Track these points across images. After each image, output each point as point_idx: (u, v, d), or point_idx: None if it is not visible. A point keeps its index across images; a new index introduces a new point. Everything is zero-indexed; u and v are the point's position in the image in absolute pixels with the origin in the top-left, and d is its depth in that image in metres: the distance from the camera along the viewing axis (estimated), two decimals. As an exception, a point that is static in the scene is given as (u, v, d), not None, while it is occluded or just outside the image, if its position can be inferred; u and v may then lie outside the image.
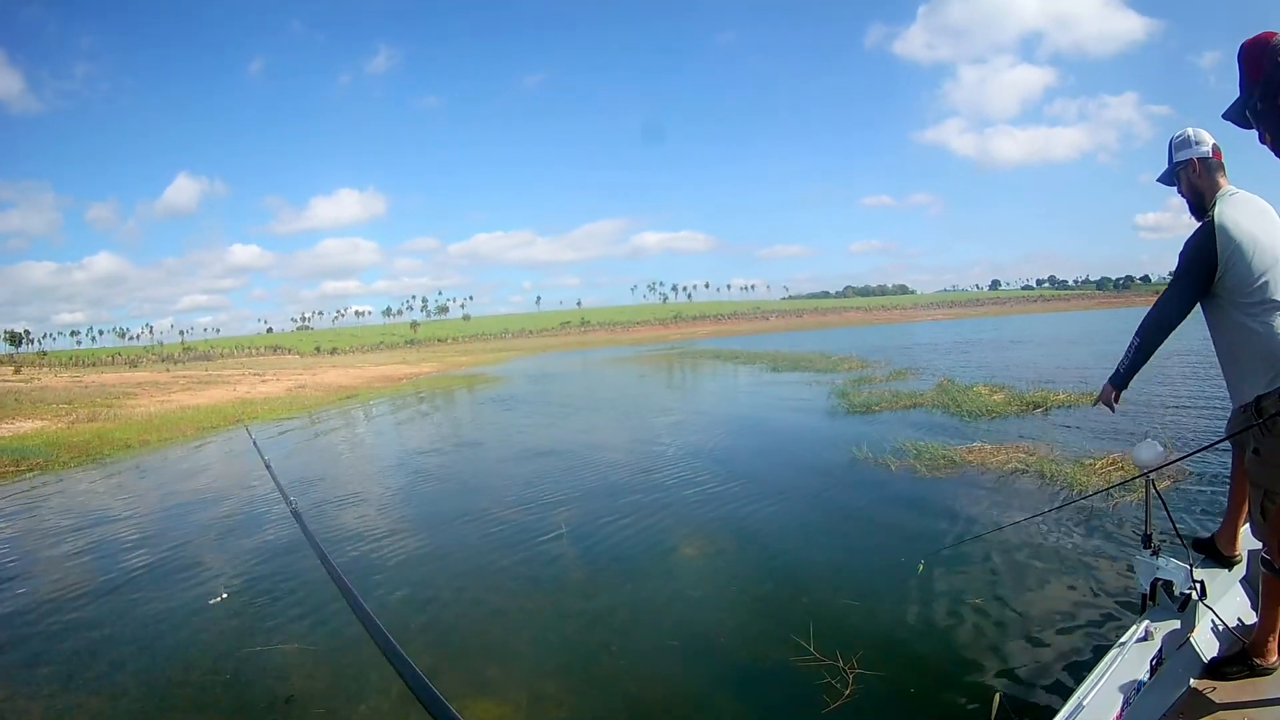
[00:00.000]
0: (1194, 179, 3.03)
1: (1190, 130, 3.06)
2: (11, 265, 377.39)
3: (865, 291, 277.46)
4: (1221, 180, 2.97)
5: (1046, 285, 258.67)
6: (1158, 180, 3.21)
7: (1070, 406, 12.30)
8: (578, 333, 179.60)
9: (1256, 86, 1.98)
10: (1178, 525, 3.26)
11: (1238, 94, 2.09)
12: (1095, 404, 3.41)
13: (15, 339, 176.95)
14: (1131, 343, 3.16)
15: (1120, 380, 3.26)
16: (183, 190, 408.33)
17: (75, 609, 6.30)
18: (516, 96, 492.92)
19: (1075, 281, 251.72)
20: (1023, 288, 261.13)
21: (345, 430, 19.71)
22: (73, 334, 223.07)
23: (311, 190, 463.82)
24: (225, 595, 3.29)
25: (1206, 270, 2.84)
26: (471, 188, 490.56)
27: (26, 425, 22.29)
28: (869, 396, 15.31)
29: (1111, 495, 6.66)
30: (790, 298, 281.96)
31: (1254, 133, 2.06)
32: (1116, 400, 3.33)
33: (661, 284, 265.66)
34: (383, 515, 8.81)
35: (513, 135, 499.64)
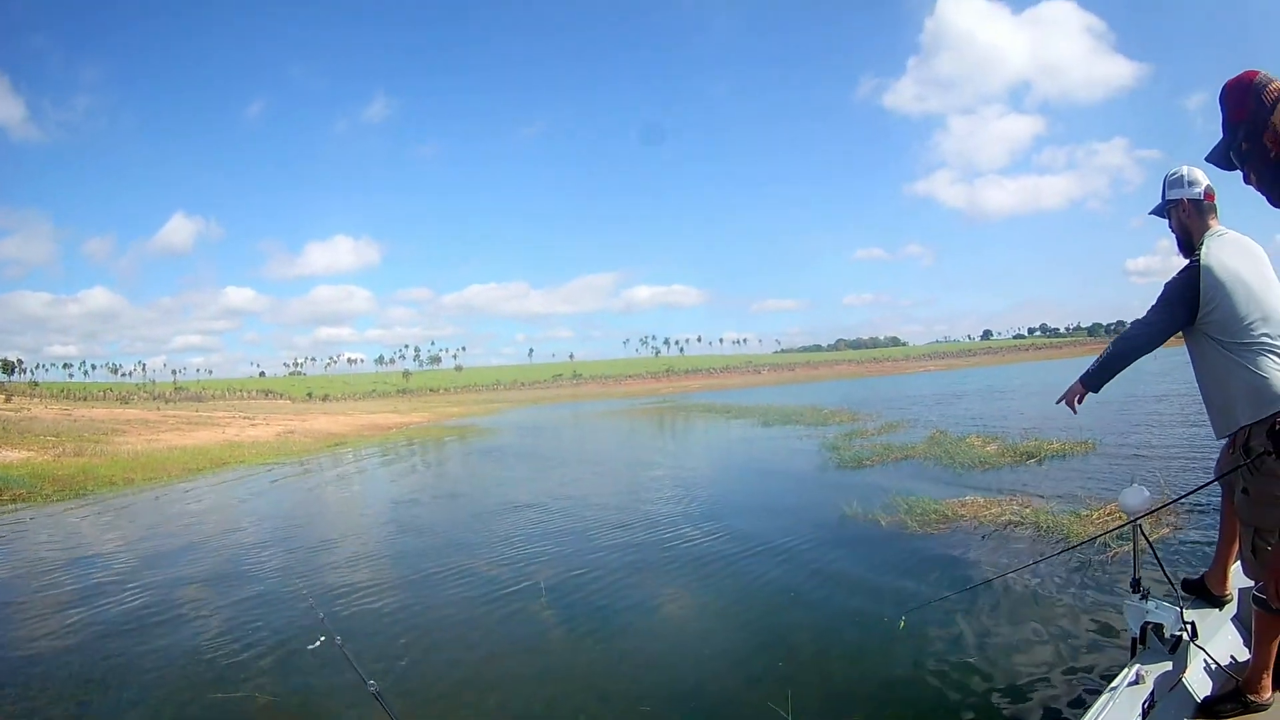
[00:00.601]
0: (1183, 218, 3.10)
1: (1185, 169, 3.11)
2: (7, 293, 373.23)
3: (857, 344, 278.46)
4: (1212, 222, 3.04)
5: (1038, 333, 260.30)
6: (1151, 212, 3.27)
7: (1065, 456, 12.22)
8: (570, 385, 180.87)
9: (1241, 126, 1.96)
10: (1168, 569, 3.26)
11: (1221, 135, 2.07)
12: (1059, 402, 3.31)
13: (8, 367, 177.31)
14: (1106, 349, 3.20)
15: (1090, 380, 3.22)
16: (179, 229, 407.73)
17: (43, 643, 6.31)
18: (512, 147, 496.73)
19: (1067, 329, 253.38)
20: (1014, 336, 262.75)
21: (327, 478, 19.77)
22: (65, 367, 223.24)
23: (307, 235, 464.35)
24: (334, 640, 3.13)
25: (1188, 307, 2.89)
26: (466, 238, 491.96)
27: (13, 455, 22.62)
28: (860, 450, 15.17)
29: (1109, 545, 6.57)
30: (782, 351, 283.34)
31: (1239, 174, 2.04)
32: (1081, 400, 3.26)
33: (654, 338, 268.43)
34: (354, 566, 8.71)
35: (508, 186, 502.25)
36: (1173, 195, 3.13)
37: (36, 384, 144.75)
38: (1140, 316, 3.11)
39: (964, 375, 72.89)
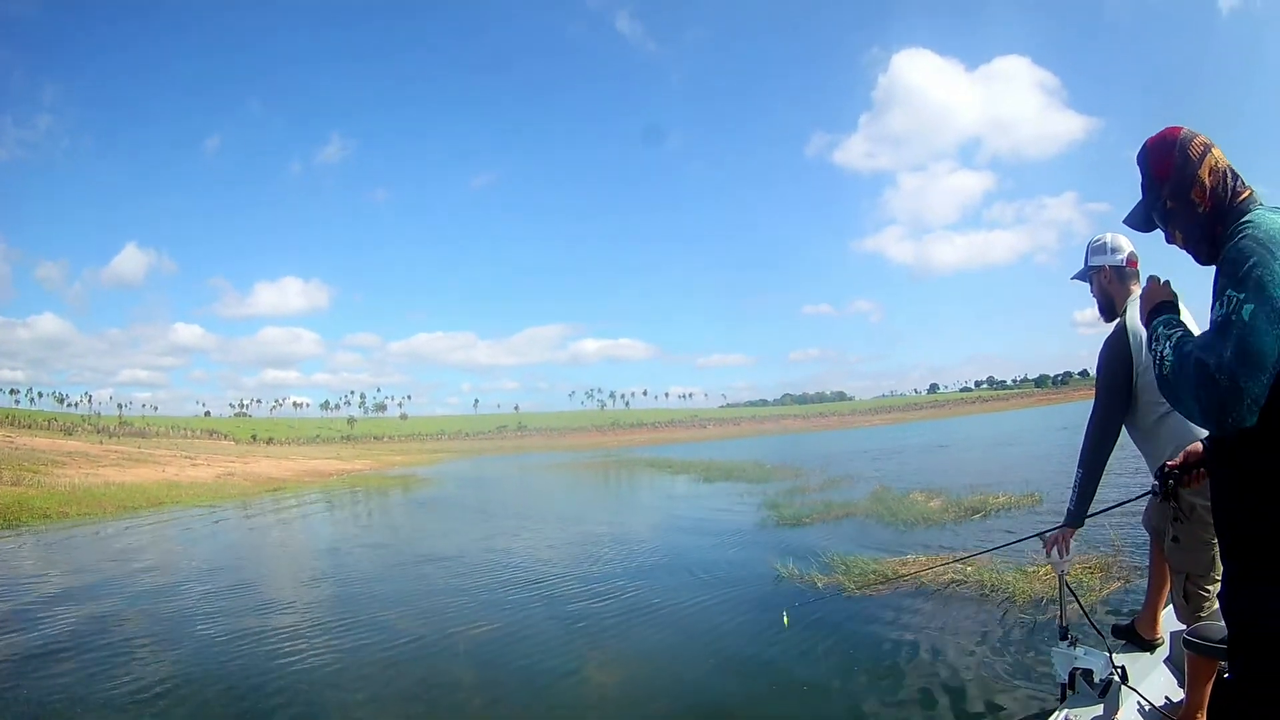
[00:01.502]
0: (1105, 284, 3.31)
1: (1109, 237, 3.32)
2: None
3: (803, 399, 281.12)
4: (1134, 287, 3.23)
5: (985, 386, 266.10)
6: (1073, 278, 3.48)
7: (1010, 510, 12.14)
8: (514, 437, 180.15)
9: (1165, 184, 1.95)
10: (1093, 616, 3.49)
11: (1140, 197, 2.07)
12: (1049, 553, 3.35)
13: None
14: (1076, 478, 3.28)
15: (1073, 519, 3.27)
16: (130, 261, 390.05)
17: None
18: (464, 196, 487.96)
19: (1014, 381, 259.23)
20: (961, 389, 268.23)
21: (261, 523, 19.74)
22: (12, 392, 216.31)
23: (257, 274, 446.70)
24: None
25: (1126, 373, 3.08)
26: (415, 286, 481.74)
27: None
28: (800, 507, 14.87)
29: (1054, 603, 6.41)
30: (729, 406, 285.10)
31: (1160, 234, 2.06)
32: (1071, 539, 3.31)
33: (600, 390, 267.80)
34: (266, 616, 8.42)
35: (458, 235, 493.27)
36: (1095, 262, 3.33)
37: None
38: (1090, 418, 3.24)
39: (910, 429, 73.92)
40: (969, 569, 7.91)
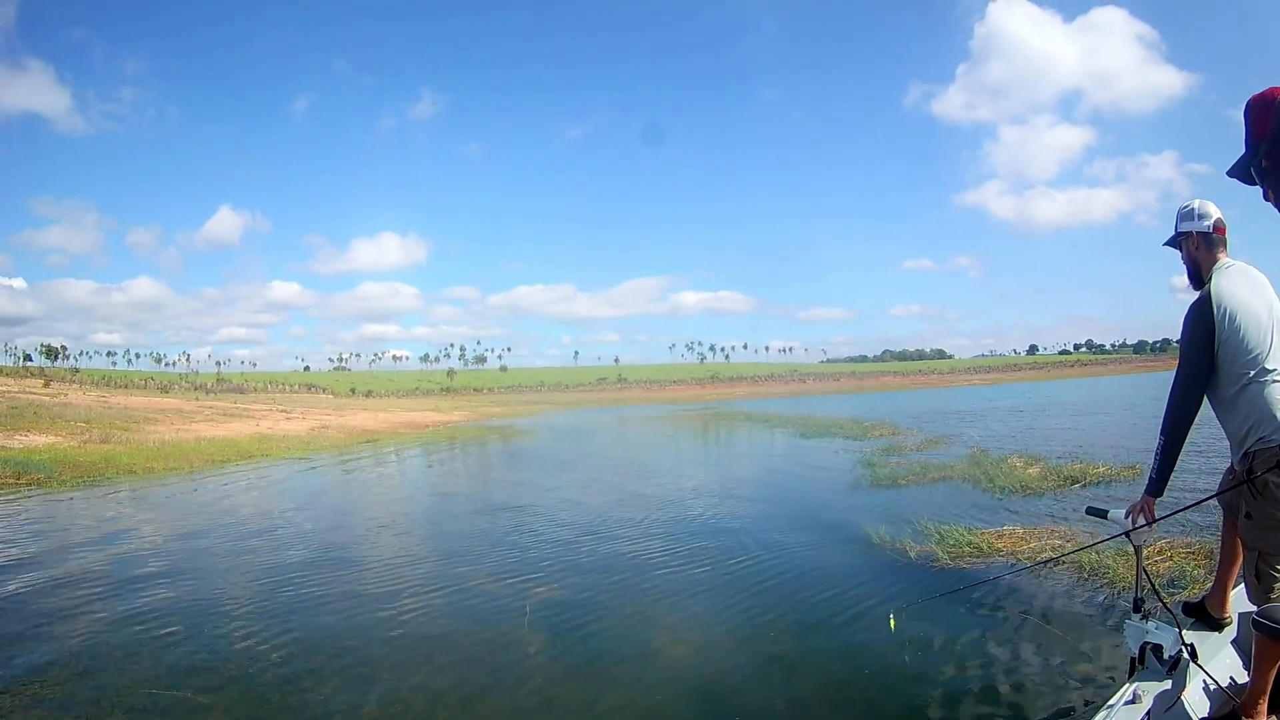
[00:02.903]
0: (1193, 251, 3.15)
1: (1197, 203, 3.16)
2: (52, 280, 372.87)
3: (903, 356, 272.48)
4: (1220, 255, 3.08)
5: (1084, 349, 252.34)
6: (1164, 244, 3.31)
7: (1110, 481, 11.35)
8: (614, 389, 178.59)
9: (1262, 144, 1.93)
10: (1166, 590, 3.39)
11: (1243, 150, 2.04)
12: (1129, 519, 3.20)
13: (52, 353, 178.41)
14: (1158, 445, 3.10)
15: (1155, 488, 3.13)
16: (224, 222, 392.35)
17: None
18: (559, 149, 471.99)
19: (1113, 345, 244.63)
20: (1060, 352, 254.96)
21: (340, 473, 19.77)
22: (109, 354, 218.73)
23: (353, 231, 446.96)
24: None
25: (1209, 341, 2.91)
26: (513, 239, 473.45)
27: (40, 439, 22.83)
28: (896, 468, 14.36)
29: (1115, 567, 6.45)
30: (828, 361, 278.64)
31: (1259, 190, 2.01)
32: (1152, 510, 3.15)
33: (700, 343, 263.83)
34: (330, 573, 8.22)
35: (555, 188, 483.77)
36: (1183, 228, 3.17)
37: (77, 370, 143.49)
38: (1172, 385, 3.08)
39: (1008, 390, 70.99)
40: (1068, 545, 7.39)
